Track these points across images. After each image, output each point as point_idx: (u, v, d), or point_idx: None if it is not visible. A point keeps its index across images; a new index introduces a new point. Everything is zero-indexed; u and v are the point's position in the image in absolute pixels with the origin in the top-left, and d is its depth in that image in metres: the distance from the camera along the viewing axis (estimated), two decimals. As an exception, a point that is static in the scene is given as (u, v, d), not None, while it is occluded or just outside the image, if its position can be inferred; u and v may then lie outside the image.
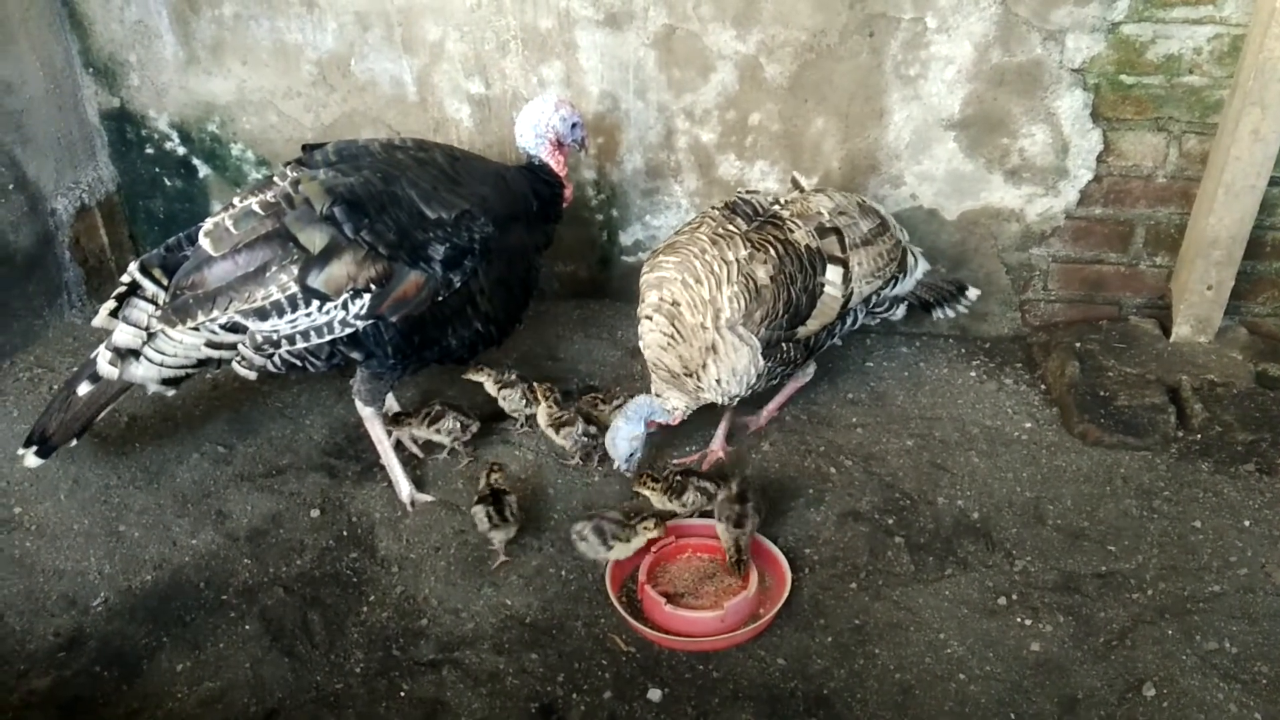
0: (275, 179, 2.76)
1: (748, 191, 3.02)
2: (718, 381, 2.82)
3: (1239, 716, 2.27)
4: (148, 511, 2.94)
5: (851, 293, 2.93)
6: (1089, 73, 3.22)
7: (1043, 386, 3.40)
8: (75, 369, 2.97)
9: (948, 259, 3.59)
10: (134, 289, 2.75)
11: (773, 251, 2.79)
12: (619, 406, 3.06)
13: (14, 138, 3.56)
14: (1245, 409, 3.11)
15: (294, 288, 2.61)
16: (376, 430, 2.99)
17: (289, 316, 2.64)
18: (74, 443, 2.91)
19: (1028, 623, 2.52)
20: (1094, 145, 3.33)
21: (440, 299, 2.76)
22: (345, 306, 2.66)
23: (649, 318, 2.83)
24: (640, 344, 2.90)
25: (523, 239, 2.98)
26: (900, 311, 3.24)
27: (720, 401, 2.90)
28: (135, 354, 2.73)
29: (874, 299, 3.08)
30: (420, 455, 3.14)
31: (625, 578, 2.70)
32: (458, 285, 2.77)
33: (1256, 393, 3.17)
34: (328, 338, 2.70)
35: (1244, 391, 3.17)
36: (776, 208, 2.94)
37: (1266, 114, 3.01)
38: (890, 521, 2.85)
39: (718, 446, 3.12)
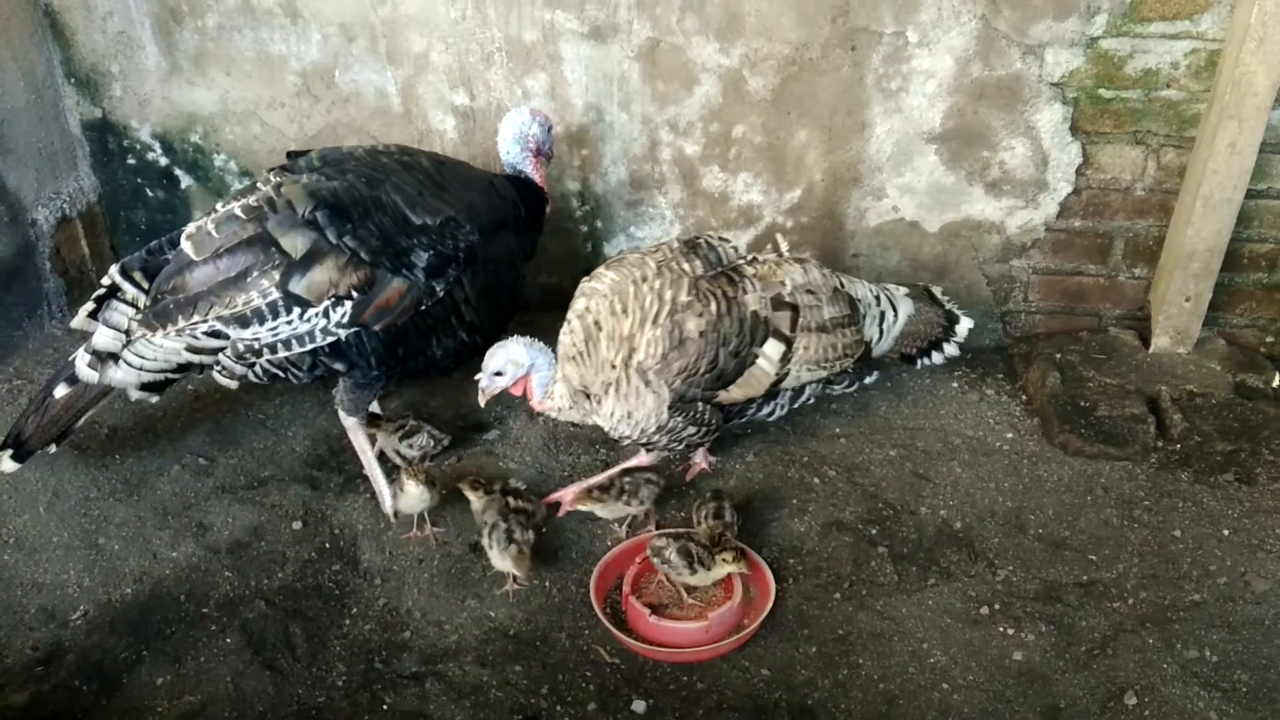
0: (259, 183, 2.75)
1: (720, 237, 2.91)
2: (612, 415, 2.72)
3: (1219, 724, 2.29)
4: (128, 524, 2.92)
5: (786, 374, 2.78)
6: (1068, 86, 3.25)
7: (1024, 397, 3.42)
8: (53, 373, 2.95)
9: (930, 270, 3.62)
10: (114, 291, 2.73)
11: (713, 306, 2.65)
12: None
13: (-6, 148, 3.54)
14: (1224, 419, 3.13)
15: (275, 293, 2.60)
16: (360, 440, 2.97)
17: (270, 324, 2.63)
18: (53, 449, 2.89)
19: (1010, 632, 2.53)
20: (1073, 158, 3.36)
21: (424, 308, 2.76)
22: (327, 314, 2.65)
23: (569, 322, 2.75)
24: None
25: (510, 247, 2.99)
26: (871, 378, 3.07)
27: (612, 435, 2.80)
28: (115, 357, 2.72)
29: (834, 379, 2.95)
30: (401, 465, 3.13)
31: (610, 589, 2.70)
32: (441, 294, 2.77)
33: (1235, 403, 3.20)
34: (309, 346, 2.69)
35: (1223, 402, 3.20)
36: (742, 263, 2.80)
37: (1243, 127, 3.05)
38: (874, 531, 2.86)
39: (700, 458, 3.12)
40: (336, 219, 2.63)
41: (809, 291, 2.81)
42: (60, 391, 2.79)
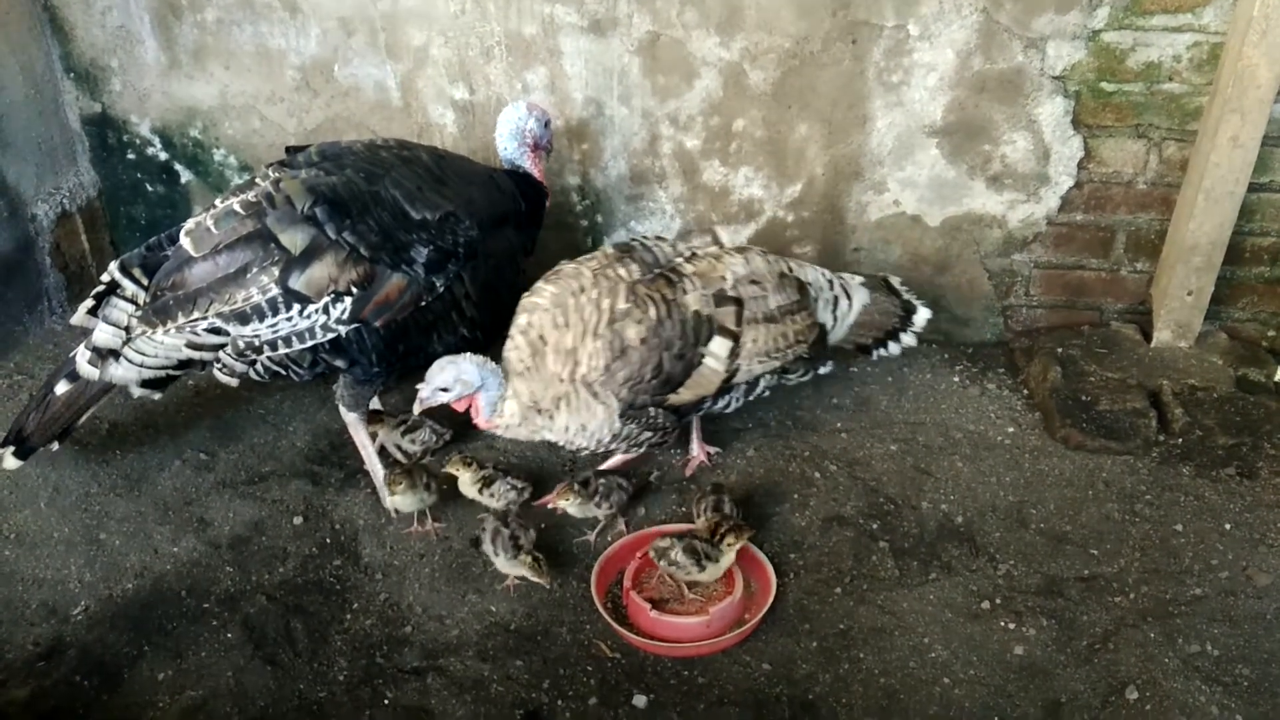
0: (258, 179, 2.75)
1: (657, 237, 2.86)
2: (566, 429, 2.68)
3: (1220, 718, 2.28)
4: (129, 519, 2.92)
5: (737, 369, 2.73)
6: (1070, 80, 3.24)
7: (1025, 391, 3.42)
8: (54, 369, 2.95)
9: (931, 265, 3.61)
10: (113, 288, 2.73)
11: (652, 311, 2.60)
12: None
13: (-7, 143, 3.54)
14: (1226, 413, 3.13)
15: (275, 290, 2.60)
16: (360, 436, 2.97)
17: (270, 320, 2.63)
18: (55, 446, 2.89)
19: (1011, 626, 2.53)
20: (1075, 152, 3.35)
21: (424, 304, 2.75)
22: (327, 310, 2.65)
23: (512, 338, 2.70)
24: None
25: (510, 242, 2.98)
26: (826, 368, 3.03)
27: (567, 449, 2.77)
28: (115, 354, 2.71)
29: (783, 370, 2.89)
30: (405, 462, 3.13)
31: (610, 583, 2.70)
32: (441, 290, 2.76)
33: (1237, 397, 3.20)
34: (310, 343, 2.69)
35: (1224, 396, 3.20)
36: (680, 260, 2.74)
37: (1245, 121, 3.04)
38: (874, 526, 2.86)
39: (698, 451, 3.12)
40: (335, 214, 2.63)
41: (753, 282, 2.75)
42: (61, 388, 2.79)
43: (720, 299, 2.69)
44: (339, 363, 2.78)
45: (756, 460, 3.14)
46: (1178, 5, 3.09)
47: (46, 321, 3.80)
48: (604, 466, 2.97)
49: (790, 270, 2.87)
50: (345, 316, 2.67)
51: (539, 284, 2.76)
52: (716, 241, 2.88)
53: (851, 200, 3.55)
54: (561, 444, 2.76)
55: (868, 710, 2.34)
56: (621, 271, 2.68)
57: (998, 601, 2.60)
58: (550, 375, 2.64)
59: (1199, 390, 3.22)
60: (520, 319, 2.72)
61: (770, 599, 2.58)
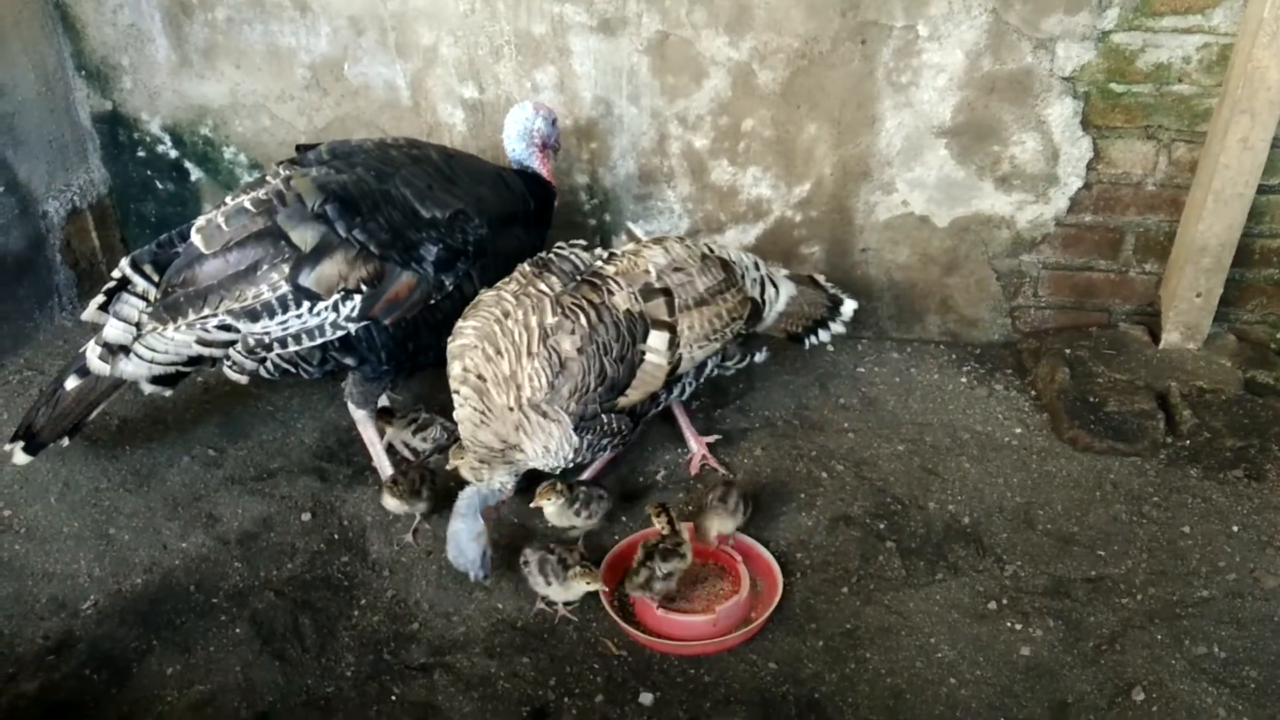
0: (268, 177, 2.76)
1: (571, 244, 2.80)
2: (536, 455, 2.63)
3: (1228, 720, 2.28)
4: (138, 514, 2.93)
5: (680, 358, 2.69)
6: (1079, 81, 3.24)
7: (1033, 392, 3.41)
8: (65, 365, 2.96)
9: (939, 265, 3.61)
10: (124, 284, 2.75)
11: (583, 319, 2.54)
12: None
13: (5, 140, 3.55)
14: (1234, 415, 3.13)
15: (285, 287, 2.61)
16: (369, 433, 2.99)
17: (280, 317, 2.64)
18: (65, 442, 2.91)
19: (1018, 627, 2.53)
20: (1084, 153, 3.35)
21: (433, 302, 2.76)
22: (336, 308, 2.66)
23: (457, 392, 2.61)
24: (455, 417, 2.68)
25: (519, 241, 2.99)
26: (761, 355, 3.03)
27: (545, 471, 2.73)
28: (125, 350, 2.73)
29: (727, 350, 2.88)
30: (413, 460, 3.14)
31: (618, 581, 2.70)
32: (450, 288, 2.77)
33: (1245, 399, 3.19)
34: (319, 340, 2.70)
35: (1232, 398, 3.19)
36: (600, 264, 2.69)
37: (1255, 122, 3.03)
38: (881, 526, 2.86)
39: (696, 446, 3.11)
40: (346, 212, 2.64)
41: (677, 270, 2.72)
42: (71, 383, 2.80)
43: (648, 293, 2.65)
44: (349, 360, 2.79)
45: (764, 460, 3.14)
46: (1187, 6, 3.09)
47: (57, 318, 3.82)
48: (582, 477, 2.95)
49: (712, 251, 2.86)
50: (355, 314, 2.68)
51: (459, 325, 2.65)
52: (632, 237, 2.87)
53: (860, 200, 3.55)
54: (540, 468, 2.72)
55: (874, 710, 2.35)
56: (543, 286, 2.61)
57: (1004, 602, 2.60)
58: (501, 409, 2.57)
59: (1207, 392, 3.21)
60: (454, 369, 2.61)
61: (777, 598, 2.58)
